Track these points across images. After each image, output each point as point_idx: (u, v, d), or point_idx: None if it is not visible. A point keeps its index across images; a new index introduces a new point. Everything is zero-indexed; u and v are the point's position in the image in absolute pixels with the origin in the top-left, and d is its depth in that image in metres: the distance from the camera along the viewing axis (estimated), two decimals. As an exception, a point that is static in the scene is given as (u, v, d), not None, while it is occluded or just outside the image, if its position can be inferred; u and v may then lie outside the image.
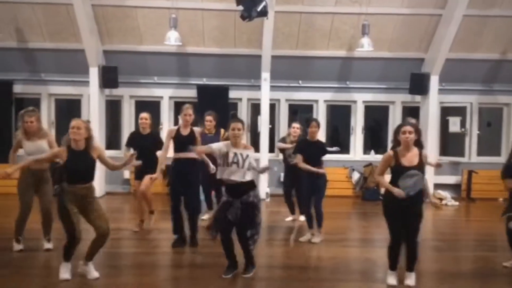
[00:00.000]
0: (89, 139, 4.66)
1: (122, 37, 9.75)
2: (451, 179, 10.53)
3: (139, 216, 6.79)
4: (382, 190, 4.46)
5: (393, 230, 4.60)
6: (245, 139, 10.28)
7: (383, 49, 9.91)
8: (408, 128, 4.49)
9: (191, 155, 5.68)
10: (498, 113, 10.97)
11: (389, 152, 4.60)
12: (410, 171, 4.41)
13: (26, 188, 5.55)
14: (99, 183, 9.09)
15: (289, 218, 7.65)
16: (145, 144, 6.46)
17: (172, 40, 9.07)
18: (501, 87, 10.48)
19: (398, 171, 4.47)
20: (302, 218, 7.36)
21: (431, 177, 10.04)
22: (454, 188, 10.48)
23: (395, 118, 10.69)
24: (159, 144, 6.44)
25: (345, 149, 10.40)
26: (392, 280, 4.71)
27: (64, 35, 9.63)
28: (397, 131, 4.60)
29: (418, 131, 4.56)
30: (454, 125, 10.57)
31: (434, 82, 9.97)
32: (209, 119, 7.26)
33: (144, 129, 6.72)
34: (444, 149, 10.88)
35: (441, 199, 9.80)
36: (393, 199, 4.48)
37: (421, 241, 6.17)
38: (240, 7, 6.26)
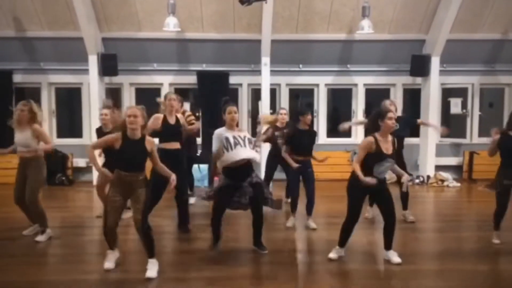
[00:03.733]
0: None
1: (120, 24, 9.69)
2: (452, 161, 10.55)
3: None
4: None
5: (354, 208, 4.72)
6: (244, 124, 10.34)
7: (383, 31, 9.85)
8: (392, 114, 4.54)
9: (177, 146, 5.71)
10: (499, 93, 10.93)
11: (370, 138, 4.59)
12: (388, 159, 4.54)
13: (16, 176, 5.56)
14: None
15: None
16: None
17: (171, 26, 9.02)
18: (502, 67, 10.43)
19: (377, 157, 4.52)
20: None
21: (432, 159, 10.10)
22: (456, 169, 10.51)
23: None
24: None
25: (346, 132, 10.38)
26: (334, 254, 4.87)
27: (62, 23, 9.58)
28: (380, 116, 4.55)
29: None
30: (456, 106, 10.55)
31: (435, 64, 9.92)
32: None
33: (106, 126, 6.29)
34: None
35: (442, 181, 9.83)
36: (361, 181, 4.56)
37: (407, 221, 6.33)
38: (239, -8, 6.20)
